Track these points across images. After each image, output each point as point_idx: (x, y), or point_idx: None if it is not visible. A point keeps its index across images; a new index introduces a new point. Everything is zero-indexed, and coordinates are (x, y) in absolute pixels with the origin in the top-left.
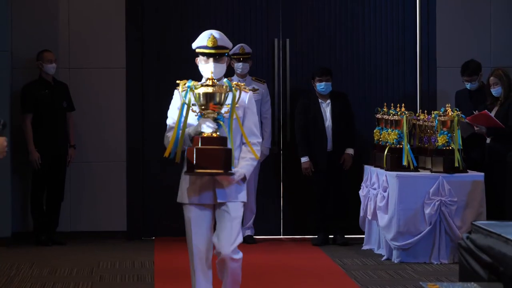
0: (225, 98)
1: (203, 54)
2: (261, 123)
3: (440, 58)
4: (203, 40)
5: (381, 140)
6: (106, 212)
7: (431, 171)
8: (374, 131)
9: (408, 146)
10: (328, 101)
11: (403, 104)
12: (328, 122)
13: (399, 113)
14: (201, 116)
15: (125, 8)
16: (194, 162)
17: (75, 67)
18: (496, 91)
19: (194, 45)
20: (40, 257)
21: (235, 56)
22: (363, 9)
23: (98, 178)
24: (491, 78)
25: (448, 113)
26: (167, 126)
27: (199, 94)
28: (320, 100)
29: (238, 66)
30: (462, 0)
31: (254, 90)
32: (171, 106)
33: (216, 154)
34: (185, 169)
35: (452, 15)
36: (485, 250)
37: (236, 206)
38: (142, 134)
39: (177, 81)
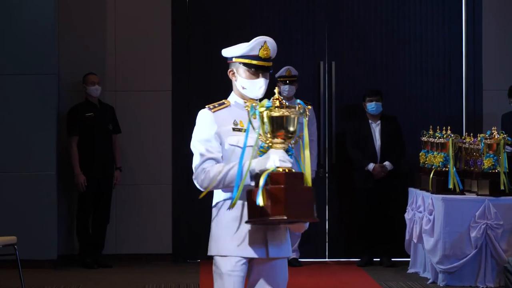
0: (297, 124)
1: (251, 66)
2: None
3: (486, 81)
4: (254, 48)
5: (426, 163)
6: (152, 234)
7: (477, 194)
8: (420, 154)
9: (454, 169)
10: (378, 121)
11: (449, 127)
12: (377, 142)
13: (445, 136)
14: (266, 147)
15: (171, 31)
16: (274, 206)
17: (121, 90)
18: None
19: (235, 52)
20: (86, 279)
21: (281, 79)
22: (409, 32)
23: (144, 200)
24: None
25: (494, 136)
26: (200, 158)
27: (270, 118)
28: (370, 121)
29: (285, 89)
30: (508, 21)
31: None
32: (200, 132)
33: (306, 196)
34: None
35: (498, 37)
36: None
37: (285, 264)
38: (187, 156)
39: (245, 102)
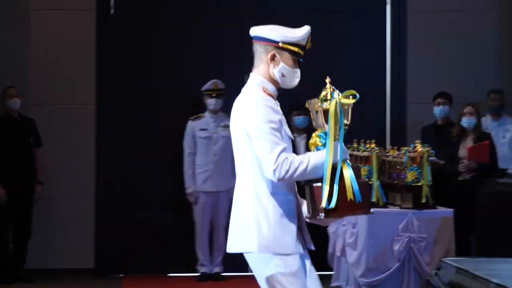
0: None
1: (299, 55)
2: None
3: (411, 94)
4: (306, 38)
5: None
6: (74, 249)
7: (401, 207)
8: None
9: (378, 182)
10: (304, 135)
11: (373, 141)
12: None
13: (369, 149)
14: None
15: (95, 45)
16: (365, 201)
17: (45, 103)
18: (469, 121)
19: (286, 37)
20: None
21: (208, 92)
22: (330, 46)
23: (67, 214)
24: (468, 107)
25: (418, 149)
26: (276, 147)
27: (341, 110)
28: (295, 134)
29: (211, 102)
30: (433, 35)
31: (226, 126)
32: (268, 118)
33: (366, 189)
34: (321, 212)
35: (423, 50)
36: (453, 286)
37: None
38: (111, 170)
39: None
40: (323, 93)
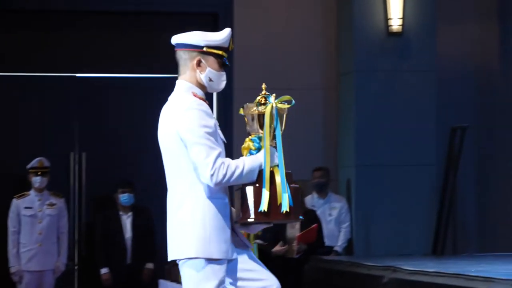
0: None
1: (223, 58)
2: (57, 238)
3: None
4: (227, 39)
5: None
6: None
7: None
8: None
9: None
10: (130, 213)
11: None
12: (128, 234)
13: None
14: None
15: None
16: (296, 207)
17: None
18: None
19: (209, 42)
20: None
21: (33, 170)
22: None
23: None
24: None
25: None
26: (212, 151)
27: (278, 114)
28: (121, 212)
29: (36, 180)
30: None
31: (51, 205)
32: (203, 123)
33: (297, 196)
34: (252, 215)
35: None
36: None
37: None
38: None
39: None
40: (259, 97)
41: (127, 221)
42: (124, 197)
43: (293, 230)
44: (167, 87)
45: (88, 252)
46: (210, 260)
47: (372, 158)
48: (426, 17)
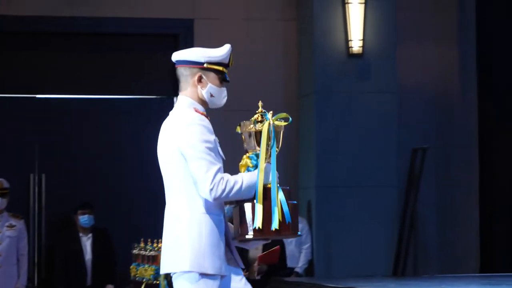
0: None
1: (224, 74)
2: (17, 260)
3: None
4: (227, 55)
5: (137, 276)
6: None
7: None
8: (131, 267)
9: (165, 281)
10: (90, 234)
11: (159, 240)
12: (88, 256)
13: (156, 248)
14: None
15: None
16: (294, 224)
17: None
18: None
19: (210, 58)
20: None
21: None
22: (125, 146)
23: None
24: None
25: None
26: (213, 166)
27: (274, 132)
28: (81, 234)
29: None
30: None
31: (11, 226)
32: (204, 138)
33: (295, 212)
34: (250, 232)
35: None
36: None
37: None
38: None
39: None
40: (256, 115)
41: (87, 242)
42: (84, 219)
43: (255, 251)
44: (128, 108)
45: (48, 274)
46: (204, 275)
47: (332, 180)
48: (387, 39)
